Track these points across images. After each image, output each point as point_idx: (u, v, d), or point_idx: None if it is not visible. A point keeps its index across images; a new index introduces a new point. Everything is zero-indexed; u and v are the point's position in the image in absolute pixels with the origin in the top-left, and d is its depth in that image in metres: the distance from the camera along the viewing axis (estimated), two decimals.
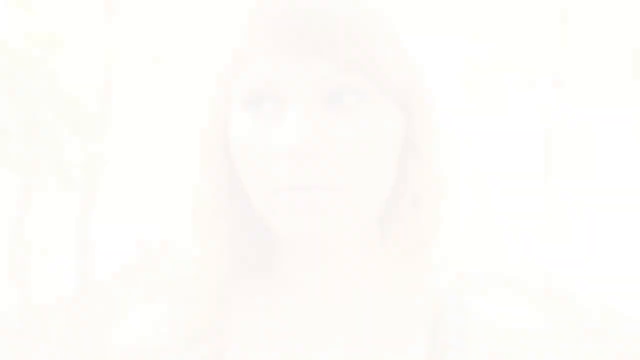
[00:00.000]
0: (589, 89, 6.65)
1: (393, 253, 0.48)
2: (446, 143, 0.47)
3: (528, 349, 0.50)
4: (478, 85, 7.20)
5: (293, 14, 0.40)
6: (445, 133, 0.47)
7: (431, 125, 0.46)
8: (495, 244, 10.48)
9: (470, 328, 0.51)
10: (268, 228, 0.47)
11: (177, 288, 0.52)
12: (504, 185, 10.22)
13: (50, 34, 2.96)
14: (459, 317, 0.51)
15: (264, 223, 0.46)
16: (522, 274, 8.80)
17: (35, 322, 4.61)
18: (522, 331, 0.51)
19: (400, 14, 0.47)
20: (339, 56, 0.40)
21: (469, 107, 9.49)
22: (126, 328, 0.51)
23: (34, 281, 4.87)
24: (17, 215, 4.17)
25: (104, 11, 5.82)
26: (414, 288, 0.50)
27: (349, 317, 0.49)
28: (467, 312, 0.52)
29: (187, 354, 0.48)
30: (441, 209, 0.48)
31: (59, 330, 4.81)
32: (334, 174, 0.40)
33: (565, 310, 6.17)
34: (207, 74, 0.47)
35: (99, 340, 0.52)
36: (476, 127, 10.85)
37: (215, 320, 0.48)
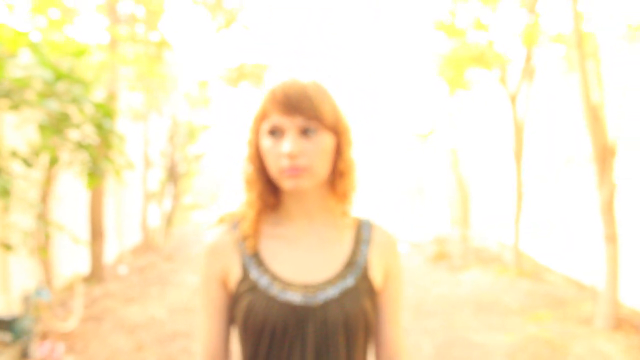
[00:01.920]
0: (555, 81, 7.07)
1: (336, 197, 1.06)
2: (358, 148, 1.05)
3: (396, 250, 1.10)
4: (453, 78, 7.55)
5: (288, 95, 0.97)
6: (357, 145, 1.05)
7: (348, 141, 1.03)
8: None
9: (373, 233, 1.09)
10: (278, 188, 1.04)
11: (236, 217, 1.09)
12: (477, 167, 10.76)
13: (80, 46, 3.43)
14: (367, 228, 1.09)
15: (276, 185, 1.04)
16: (495, 247, 9.39)
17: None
18: (394, 240, 1.10)
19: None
20: (306, 115, 0.96)
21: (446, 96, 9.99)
22: (210, 235, 1.08)
23: (56, 258, 5.34)
24: (40, 201, 4.60)
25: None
26: (346, 214, 1.07)
27: (316, 227, 1.07)
28: (371, 226, 1.10)
29: (240, 247, 1.06)
30: (355, 179, 1.05)
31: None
32: (306, 163, 0.97)
33: (533, 280, 6.77)
34: (248, 120, 1.05)
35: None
36: (453, 114, 11.33)
37: (253, 230, 1.05)
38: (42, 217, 4.56)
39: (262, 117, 1.01)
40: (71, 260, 6.07)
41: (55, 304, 5.15)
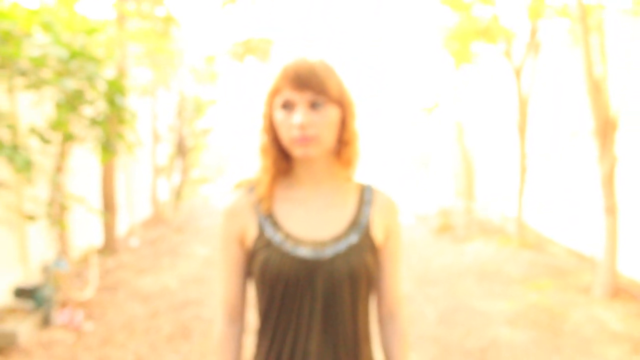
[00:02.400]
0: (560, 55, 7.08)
1: (341, 164, 1.18)
2: (360, 120, 1.16)
3: (395, 211, 1.22)
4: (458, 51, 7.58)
5: (298, 73, 1.08)
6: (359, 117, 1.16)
7: (352, 114, 1.15)
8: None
9: (375, 196, 1.22)
10: (290, 155, 1.17)
11: (253, 182, 1.22)
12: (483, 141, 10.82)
13: (92, 23, 3.53)
14: (369, 192, 1.22)
15: (288, 153, 1.16)
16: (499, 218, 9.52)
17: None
18: (393, 202, 1.23)
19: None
20: (315, 90, 1.08)
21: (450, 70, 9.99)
22: (229, 198, 1.21)
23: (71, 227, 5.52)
24: (56, 173, 4.75)
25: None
26: (350, 178, 1.20)
27: (324, 191, 1.19)
28: (373, 190, 1.22)
29: (256, 208, 1.18)
30: (358, 148, 1.17)
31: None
32: (314, 133, 1.09)
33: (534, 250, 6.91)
34: (263, 95, 1.16)
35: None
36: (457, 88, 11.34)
37: (268, 193, 1.18)
38: (60, 190, 4.72)
39: (275, 92, 1.12)
40: (85, 232, 6.25)
41: (72, 274, 5.34)
